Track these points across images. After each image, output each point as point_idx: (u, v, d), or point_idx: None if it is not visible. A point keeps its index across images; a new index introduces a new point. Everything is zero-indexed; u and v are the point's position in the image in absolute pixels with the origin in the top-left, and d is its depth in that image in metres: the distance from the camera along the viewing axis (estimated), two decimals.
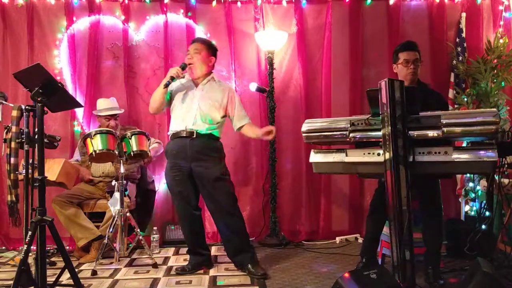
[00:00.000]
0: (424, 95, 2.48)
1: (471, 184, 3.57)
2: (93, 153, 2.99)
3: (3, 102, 2.60)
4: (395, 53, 2.74)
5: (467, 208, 3.64)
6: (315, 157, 2.28)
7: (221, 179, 2.84)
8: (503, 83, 3.66)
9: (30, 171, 2.31)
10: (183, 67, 2.84)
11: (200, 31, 3.92)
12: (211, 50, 2.94)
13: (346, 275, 1.88)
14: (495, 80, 3.66)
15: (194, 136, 2.82)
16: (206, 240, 3.15)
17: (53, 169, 3.11)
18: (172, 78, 2.79)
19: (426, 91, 2.67)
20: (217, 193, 2.84)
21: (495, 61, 3.68)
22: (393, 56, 2.77)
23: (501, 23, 3.93)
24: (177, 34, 3.92)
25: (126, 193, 3.16)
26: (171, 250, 3.61)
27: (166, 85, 2.80)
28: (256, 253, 3.04)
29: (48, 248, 3.33)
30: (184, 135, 2.83)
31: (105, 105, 3.58)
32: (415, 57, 2.67)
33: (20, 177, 2.46)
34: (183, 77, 2.92)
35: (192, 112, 2.84)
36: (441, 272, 2.61)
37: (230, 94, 2.95)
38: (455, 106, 3.75)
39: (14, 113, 2.39)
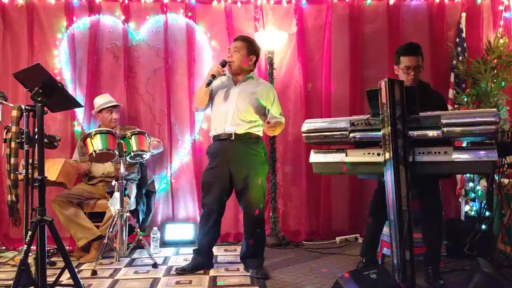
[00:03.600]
0: (424, 95, 2.48)
1: (471, 184, 3.57)
2: (93, 153, 3.00)
3: (3, 102, 2.60)
4: (397, 55, 2.71)
5: (467, 208, 3.64)
6: (315, 157, 2.28)
7: (255, 185, 2.84)
8: (503, 83, 3.66)
9: (30, 171, 2.30)
10: (223, 64, 2.85)
11: (200, 31, 3.92)
12: (252, 48, 2.91)
13: (346, 275, 1.89)
14: (495, 80, 3.66)
15: (233, 137, 2.81)
16: None
17: (53, 169, 3.12)
18: (213, 76, 2.80)
19: (427, 92, 2.67)
20: (250, 198, 2.85)
21: (495, 61, 3.68)
22: (395, 57, 2.74)
23: (501, 23, 3.93)
24: (177, 34, 3.92)
25: (126, 192, 3.16)
26: (171, 250, 3.61)
27: (209, 84, 2.81)
28: None
29: (48, 248, 3.33)
30: (223, 137, 2.84)
31: (104, 99, 3.60)
32: (417, 63, 2.64)
33: (20, 177, 2.46)
34: (224, 74, 2.92)
35: (229, 112, 2.83)
36: (441, 272, 2.61)
37: (270, 93, 2.94)
38: (455, 106, 3.75)
39: (14, 113, 2.39)
